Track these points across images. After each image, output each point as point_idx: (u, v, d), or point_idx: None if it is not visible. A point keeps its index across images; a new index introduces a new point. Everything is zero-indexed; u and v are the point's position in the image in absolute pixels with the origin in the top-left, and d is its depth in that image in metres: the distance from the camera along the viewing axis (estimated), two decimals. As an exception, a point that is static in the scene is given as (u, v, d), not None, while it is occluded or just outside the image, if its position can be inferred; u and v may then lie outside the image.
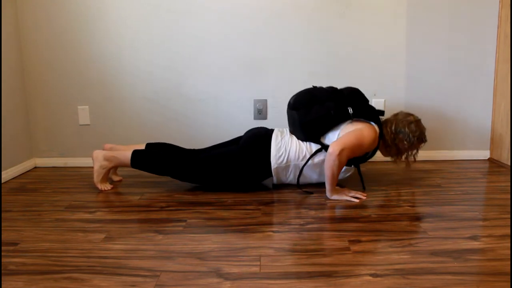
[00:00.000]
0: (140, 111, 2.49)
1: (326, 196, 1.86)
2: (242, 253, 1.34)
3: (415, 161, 2.01)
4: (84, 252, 1.37)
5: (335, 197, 1.85)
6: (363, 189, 1.97)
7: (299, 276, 1.19)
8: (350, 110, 1.88)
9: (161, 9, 2.38)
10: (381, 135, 1.93)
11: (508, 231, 1.48)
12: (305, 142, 1.93)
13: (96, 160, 2.03)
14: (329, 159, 1.77)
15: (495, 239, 1.42)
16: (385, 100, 2.49)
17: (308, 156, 1.90)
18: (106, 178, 2.07)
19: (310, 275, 1.19)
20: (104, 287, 1.16)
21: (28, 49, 2.43)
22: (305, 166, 1.91)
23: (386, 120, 1.98)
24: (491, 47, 2.44)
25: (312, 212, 1.69)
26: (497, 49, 2.43)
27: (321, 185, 2.02)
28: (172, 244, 1.42)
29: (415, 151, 1.98)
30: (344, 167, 1.91)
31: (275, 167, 1.92)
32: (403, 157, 2.00)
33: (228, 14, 2.38)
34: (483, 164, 2.45)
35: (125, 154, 1.99)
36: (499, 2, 2.38)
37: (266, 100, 2.48)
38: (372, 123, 1.92)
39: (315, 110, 1.89)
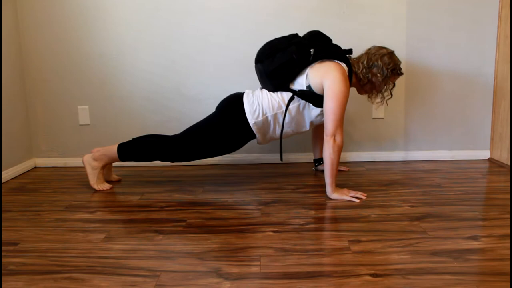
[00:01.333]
0: (140, 111, 2.49)
1: (326, 196, 1.86)
2: (242, 253, 1.34)
3: (391, 96, 1.97)
4: (84, 252, 1.37)
5: (335, 196, 1.85)
6: None
7: (299, 276, 1.19)
8: (312, 51, 1.85)
9: (161, 9, 2.38)
10: (351, 73, 1.89)
11: (508, 231, 1.48)
12: (276, 93, 1.92)
13: (86, 164, 2.05)
14: (327, 150, 1.78)
15: (495, 239, 1.42)
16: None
17: (282, 105, 1.88)
18: (102, 178, 2.07)
19: (310, 275, 1.19)
20: (104, 287, 1.16)
21: (28, 49, 2.43)
22: (285, 119, 1.90)
23: (359, 56, 1.95)
24: (491, 47, 2.44)
25: (312, 212, 1.69)
26: (497, 49, 2.43)
27: (321, 185, 2.02)
28: (172, 244, 1.42)
29: (391, 85, 1.95)
30: (319, 110, 1.89)
31: (253, 122, 1.90)
32: (379, 93, 1.97)
33: (228, 14, 2.38)
34: (483, 164, 2.45)
35: (112, 149, 2.01)
36: (499, 2, 2.38)
37: (266, 100, 2.48)
38: (337, 61, 1.87)
39: (278, 58, 1.87)
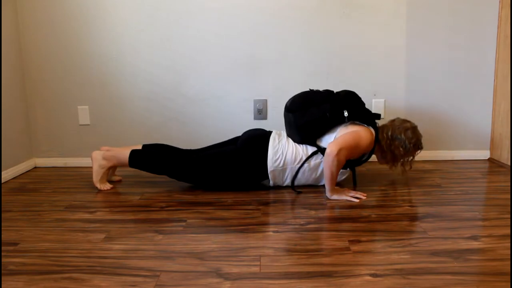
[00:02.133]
0: (140, 111, 2.49)
1: (326, 196, 1.86)
2: (242, 253, 1.34)
3: (411, 168, 2.00)
4: (84, 252, 1.37)
5: (335, 197, 1.85)
6: (354, 186, 1.99)
7: (299, 276, 1.19)
8: (346, 113, 1.88)
9: (161, 9, 2.38)
10: (377, 139, 1.93)
11: (508, 231, 1.48)
12: (301, 145, 1.93)
13: (95, 160, 2.04)
14: (327, 159, 1.77)
15: (495, 239, 1.42)
16: (385, 100, 2.49)
17: (304, 158, 1.90)
18: (105, 178, 2.07)
19: (310, 275, 1.19)
20: (104, 287, 1.16)
21: (28, 49, 2.43)
22: (301, 169, 1.92)
23: (383, 126, 1.98)
24: (491, 47, 2.44)
25: (312, 212, 1.69)
26: (497, 49, 2.43)
27: (321, 185, 2.02)
28: (172, 244, 1.42)
29: (411, 158, 1.97)
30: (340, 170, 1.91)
31: (271, 169, 1.92)
32: (399, 164, 1.99)
33: (228, 14, 2.38)
34: (483, 164, 2.45)
35: (124, 153, 2.00)
36: (499, 2, 2.38)
37: (266, 100, 2.48)
38: (369, 126, 1.92)
39: (311, 113, 1.89)
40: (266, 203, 1.81)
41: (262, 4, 2.37)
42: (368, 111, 1.95)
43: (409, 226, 1.54)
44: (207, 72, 2.45)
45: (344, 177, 1.99)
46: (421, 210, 1.70)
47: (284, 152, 1.91)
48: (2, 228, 1.59)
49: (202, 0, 2.37)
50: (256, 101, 2.48)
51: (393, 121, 1.99)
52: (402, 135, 1.91)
